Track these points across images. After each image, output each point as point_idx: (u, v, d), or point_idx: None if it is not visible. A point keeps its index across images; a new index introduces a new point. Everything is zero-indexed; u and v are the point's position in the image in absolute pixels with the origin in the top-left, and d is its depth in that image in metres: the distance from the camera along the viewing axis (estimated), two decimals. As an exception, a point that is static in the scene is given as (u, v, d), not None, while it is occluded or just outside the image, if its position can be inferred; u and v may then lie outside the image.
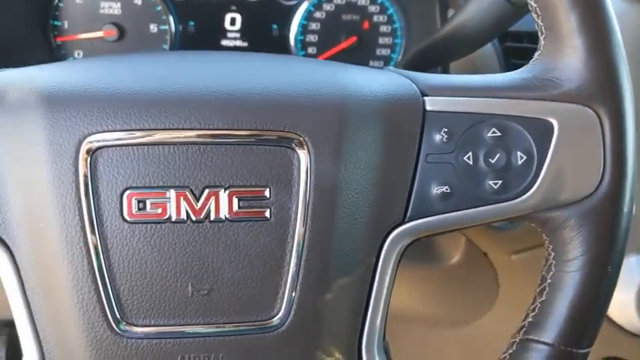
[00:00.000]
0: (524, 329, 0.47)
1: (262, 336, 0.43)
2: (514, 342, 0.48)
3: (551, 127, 0.45)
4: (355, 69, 0.49)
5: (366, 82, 0.45)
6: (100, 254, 0.41)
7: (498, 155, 0.45)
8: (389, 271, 0.45)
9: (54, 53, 0.89)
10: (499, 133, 0.45)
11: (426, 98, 0.45)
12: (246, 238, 0.42)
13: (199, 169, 0.41)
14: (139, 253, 0.41)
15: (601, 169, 0.44)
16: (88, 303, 0.41)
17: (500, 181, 0.45)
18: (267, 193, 0.42)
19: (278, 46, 0.94)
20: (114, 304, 0.41)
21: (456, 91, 0.46)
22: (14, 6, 0.82)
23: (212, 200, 0.41)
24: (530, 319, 0.47)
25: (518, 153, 0.45)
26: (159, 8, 0.90)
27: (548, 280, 0.47)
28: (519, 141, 0.45)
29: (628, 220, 0.45)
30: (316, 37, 0.93)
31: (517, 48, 0.80)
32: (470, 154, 0.45)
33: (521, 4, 0.58)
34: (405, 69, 0.77)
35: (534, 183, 0.45)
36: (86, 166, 0.40)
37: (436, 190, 0.44)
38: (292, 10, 0.93)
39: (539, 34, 0.47)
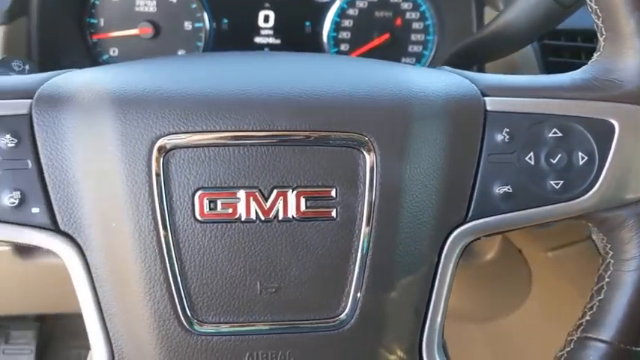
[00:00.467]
0: (582, 327, 0.48)
1: (328, 334, 0.43)
2: (572, 340, 0.48)
3: (612, 127, 0.45)
4: (413, 69, 0.49)
5: (428, 82, 0.46)
6: (172, 253, 0.42)
7: (560, 155, 0.45)
8: (449, 270, 0.46)
9: (90, 51, 0.90)
10: (560, 134, 0.45)
11: (486, 98, 0.46)
12: (312, 237, 0.43)
13: (268, 169, 0.42)
14: (209, 251, 0.42)
15: None
16: (159, 300, 0.42)
17: (561, 182, 0.45)
18: (333, 193, 0.43)
19: (310, 43, 0.94)
20: (185, 301, 0.42)
21: (517, 92, 0.46)
22: (52, 4, 0.82)
23: (280, 200, 0.42)
24: (587, 318, 0.48)
25: (580, 153, 0.45)
26: (194, 6, 0.90)
27: (606, 279, 0.47)
28: (580, 141, 0.45)
29: None
30: (349, 34, 0.94)
31: (554, 46, 0.80)
32: (531, 154, 0.45)
33: (569, 4, 0.58)
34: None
35: (595, 183, 0.45)
36: (159, 166, 0.41)
37: (498, 190, 0.45)
38: (325, 7, 0.93)
39: (599, 35, 0.47)
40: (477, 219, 0.45)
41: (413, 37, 0.94)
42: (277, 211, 0.42)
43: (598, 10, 0.46)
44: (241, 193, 0.42)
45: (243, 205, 0.42)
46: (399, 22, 0.93)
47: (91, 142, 0.42)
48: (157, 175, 0.41)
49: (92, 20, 0.89)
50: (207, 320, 0.43)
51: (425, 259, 0.45)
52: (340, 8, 0.92)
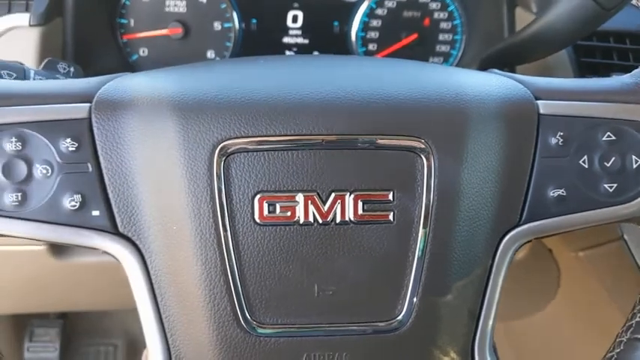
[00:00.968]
0: (632, 329, 0.48)
1: (384, 336, 0.44)
2: (621, 341, 0.48)
3: None
4: (463, 71, 0.49)
5: (482, 85, 0.46)
6: (231, 255, 0.42)
7: (613, 159, 0.45)
8: (502, 273, 0.46)
9: (120, 51, 0.90)
10: (614, 137, 0.45)
11: (539, 102, 0.46)
12: (370, 240, 0.43)
13: (326, 173, 0.42)
14: (268, 254, 0.42)
15: None
16: (219, 302, 0.42)
17: (615, 184, 0.45)
18: (390, 196, 0.43)
19: (338, 43, 0.94)
20: (243, 303, 0.43)
21: (570, 95, 0.46)
22: (86, 5, 0.83)
23: (338, 203, 0.42)
24: (637, 319, 0.48)
25: (633, 157, 0.45)
26: (223, 6, 0.91)
27: None
28: (634, 145, 0.45)
29: None
30: (377, 33, 0.94)
31: (587, 47, 0.80)
32: (585, 157, 0.45)
33: (611, 6, 0.58)
34: (479, 68, 0.78)
35: None
36: (220, 170, 0.42)
37: (552, 193, 0.45)
38: (354, 7, 0.93)
39: None
40: (531, 222, 0.45)
41: (441, 36, 0.94)
42: (335, 214, 0.42)
43: None
44: (300, 197, 0.42)
45: (302, 209, 0.42)
46: (427, 21, 0.93)
47: (151, 145, 0.42)
48: (218, 178, 0.42)
49: (123, 20, 0.89)
50: (266, 322, 0.43)
51: (479, 261, 0.45)
52: (369, 8, 0.92)
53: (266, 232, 0.42)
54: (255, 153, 0.42)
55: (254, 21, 0.93)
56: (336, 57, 0.57)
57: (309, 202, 0.42)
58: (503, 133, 0.45)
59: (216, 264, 0.42)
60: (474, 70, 0.50)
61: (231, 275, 0.42)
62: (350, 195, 0.42)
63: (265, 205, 0.42)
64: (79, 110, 0.43)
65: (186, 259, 0.42)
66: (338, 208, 0.42)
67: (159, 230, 0.43)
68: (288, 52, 0.95)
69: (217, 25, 0.92)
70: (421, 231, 0.43)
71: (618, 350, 0.49)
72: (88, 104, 0.43)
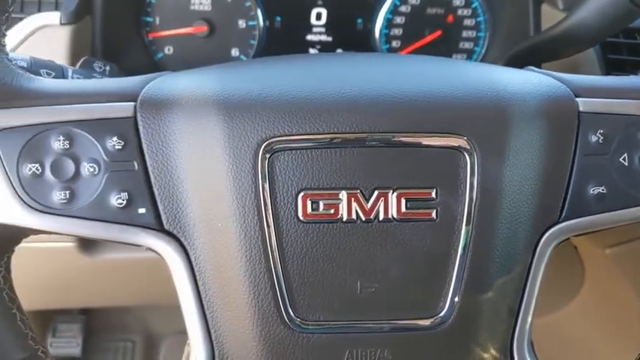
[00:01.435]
0: None
1: (426, 333, 0.44)
2: None
3: None
4: (501, 69, 0.49)
5: (523, 83, 0.46)
6: (275, 252, 0.43)
7: None
8: (541, 270, 0.46)
9: (146, 49, 0.91)
10: None
11: (578, 99, 0.46)
12: (412, 238, 0.43)
13: (370, 171, 0.43)
14: (311, 251, 0.43)
15: None
16: (263, 299, 0.43)
17: None
18: (433, 194, 0.43)
19: (362, 40, 0.95)
20: (287, 300, 0.43)
21: (609, 93, 0.46)
22: (114, 3, 0.83)
23: (381, 201, 0.43)
24: None
25: None
26: (248, 4, 0.91)
27: None
28: None
29: None
30: (400, 30, 0.94)
31: (613, 43, 0.80)
32: (625, 155, 0.45)
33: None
34: (506, 65, 0.77)
35: None
36: (264, 168, 0.42)
37: (592, 190, 0.45)
38: (378, 4, 0.93)
39: None
40: (571, 219, 0.46)
41: (464, 33, 0.94)
42: (378, 211, 0.43)
43: None
44: (343, 194, 0.43)
45: (345, 206, 0.43)
46: (450, 18, 0.93)
47: (196, 144, 0.43)
48: (263, 176, 0.42)
49: (148, 19, 0.90)
50: (309, 318, 0.44)
51: (520, 258, 0.45)
52: (393, 5, 0.92)
53: (309, 230, 0.43)
54: (299, 151, 0.42)
55: (278, 19, 0.93)
56: (373, 54, 0.57)
57: (353, 199, 0.43)
58: (544, 130, 0.45)
59: (261, 261, 0.43)
60: (512, 68, 0.50)
61: (275, 272, 0.43)
62: (393, 193, 0.43)
63: (309, 203, 0.43)
64: (125, 109, 0.44)
65: (231, 256, 0.43)
66: (381, 205, 0.43)
67: (203, 227, 0.43)
68: (311, 50, 0.96)
69: (242, 23, 0.92)
70: (464, 228, 0.43)
71: None
72: (132, 103, 0.44)
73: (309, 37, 0.95)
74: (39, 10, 0.77)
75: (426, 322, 0.44)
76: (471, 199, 0.43)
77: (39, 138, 0.43)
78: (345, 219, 0.43)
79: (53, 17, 0.75)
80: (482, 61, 0.95)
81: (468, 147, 0.43)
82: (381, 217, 0.43)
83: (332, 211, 0.43)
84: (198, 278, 0.44)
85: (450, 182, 0.43)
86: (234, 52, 0.93)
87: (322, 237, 0.43)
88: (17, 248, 0.48)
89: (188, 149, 0.43)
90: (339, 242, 0.43)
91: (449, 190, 0.43)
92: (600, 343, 0.99)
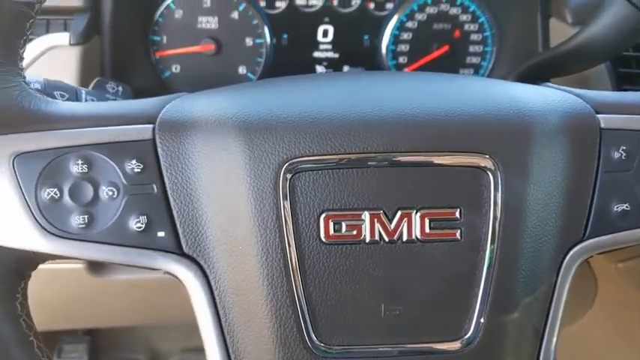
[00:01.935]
0: None
1: (451, 356, 0.43)
2: None
3: None
4: (520, 86, 0.49)
5: (543, 100, 0.46)
6: (297, 275, 0.42)
7: None
8: (565, 289, 0.46)
9: (153, 68, 0.91)
10: None
11: (599, 116, 0.46)
12: (436, 258, 0.43)
13: (392, 191, 0.42)
14: (334, 273, 0.42)
15: None
16: (285, 322, 0.42)
17: None
18: (457, 214, 0.43)
19: (369, 56, 0.95)
20: (309, 323, 0.42)
21: (631, 109, 0.46)
22: (122, 23, 0.83)
23: (405, 221, 0.42)
24: None
25: None
26: (255, 22, 0.91)
27: None
28: None
29: None
30: (407, 46, 0.94)
31: (623, 57, 0.80)
32: None
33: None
34: (517, 82, 0.77)
35: None
36: (286, 189, 0.42)
37: (616, 207, 0.45)
38: (384, 20, 0.93)
39: None
40: (595, 237, 0.45)
41: (471, 48, 0.94)
42: (401, 232, 0.42)
43: None
44: (366, 215, 0.42)
45: (368, 227, 0.42)
46: (457, 33, 0.94)
47: (216, 165, 0.42)
48: (284, 197, 0.42)
49: (155, 38, 0.90)
50: (332, 342, 0.43)
51: (544, 277, 0.45)
52: (399, 21, 0.93)
53: (332, 252, 0.42)
54: (320, 171, 0.42)
55: (285, 36, 0.93)
56: (388, 73, 0.57)
57: (376, 220, 0.42)
58: (566, 148, 0.44)
59: (282, 284, 0.42)
60: (530, 85, 0.50)
61: (297, 295, 0.42)
62: (416, 213, 0.42)
63: (331, 224, 0.42)
64: (143, 131, 0.43)
65: (252, 278, 0.42)
66: (404, 226, 0.42)
67: (224, 250, 0.43)
68: (318, 67, 0.96)
69: (249, 41, 0.92)
70: (488, 248, 0.43)
71: None
72: (151, 125, 0.44)
73: (316, 54, 0.95)
74: (47, 31, 0.77)
75: (452, 345, 0.43)
76: (495, 218, 0.43)
77: (57, 162, 0.42)
78: (368, 240, 0.42)
79: (62, 38, 0.75)
80: (490, 75, 0.95)
81: (492, 165, 0.42)
82: (405, 237, 0.42)
83: (355, 232, 0.42)
84: (218, 302, 0.43)
85: (474, 201, 0.43)
86: (242, 69, 0.93)
87: (345, 259, 0.42)
88: None
89: (208, 171, 0.43)
90: (362, 264, 0.42)
91: (473, 210, 0.43)
92: (613, 357, 0.98)
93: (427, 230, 0.42)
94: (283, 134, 0.42)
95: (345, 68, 0.96)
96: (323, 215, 0.42)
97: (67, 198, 0.42)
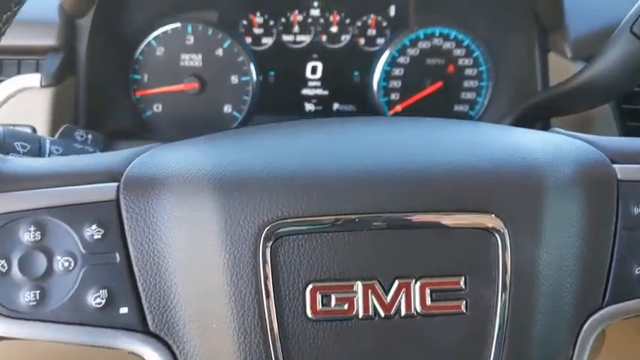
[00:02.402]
0: None
1: None
2: None
3: None
4: (526, 133, 0.45)
5: (553, 150, 0.41)
6: (279, 356, 0.37)
7: None
8: None
9: (134, 107, 0.86)
10: None
11: (616, 166, 0.41)
12: (439, 335, 0.37)
13: (388, 257, 0.37)
14: (322, 355, 0.37)
15: None
16: None
17: None
18: (462, 283, 0.38)
19: (359, 93, 0.91)
20: None
21: None
22: (99, 63, 0.79)
23: (403, 293, 0.37)
24: None
25: None
26: (241, 58, 0.87)
27: None
28: None
29: None
30: (399, 82, 0.90)
31: (627, 93, 0.76)
32: None
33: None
34: (517, 122, 0.73)
35: None
36: (266, 256, 0.36)
37: (638, 270, 0.40)
38: (375, 55, 0.90)
39: None
40: (615, 303, 0.40)
41: (466, 83, 0.91)
42: (399, 306, 0.37)
43: None
44: (358, 286, 0.37)
45: (361, 300, 0.37)
46: (451, 68, 0.90)
47: (187, 230, 0.37)
48: (265, 266, 0.36)
49: (136, 76, 0.86)
50: None
51: (560, 351, 0.40)
52: (391, 57, 0.89)
53: (319, 330, 0.37)
54: (305, 235, 0.37)
55: (272, 73, 0.89)
56: (381, 119, 0.53)
57: (370, 291, 0.37)
58: (581, 203, 0.40)
59: None
60: (537, 131, 0.45)
61: None
62: (416, 282, 0.37)
63: (318, 297, 0.37)
64: (106, 191, 0.38)
65: None
66: (403, 298, 0.37)
67: (196, 328, 0.37)
68: (307, 105, 0.91)
69: (234, 79, 0.88)
70: (497, 321, 0.38)
71: None
72: (115, 183, 0.39)
73: (305, 92, 0.91)
74: (18, 72, 0.73)
75: None
76: (504, 286, 0.38)
77: (5, 229, 0.37)
78: (361, 316, 0.37)
79: (33, 79, 0.71)
80: (486, 112, 0.91)
81: (499, 226, 0.38)
82: (403, 312, 0.37)
83: (346, 306, 0.37)
84: None
85: (480, 268, 0.38)
86: (227, 108, 0.89)
87: (335, 338, 0.37)
88: None
89: (178, 237, 0.37)
90: (355, 343, 0.37)
91: (479, 278, 0.38)
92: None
93: (428, 303, 0.37)
94: (263, 193, 0.37)
95: (335, 106, 0.92)
96: (309, 287, 0.37)
97: (15, 270, 0.37)
